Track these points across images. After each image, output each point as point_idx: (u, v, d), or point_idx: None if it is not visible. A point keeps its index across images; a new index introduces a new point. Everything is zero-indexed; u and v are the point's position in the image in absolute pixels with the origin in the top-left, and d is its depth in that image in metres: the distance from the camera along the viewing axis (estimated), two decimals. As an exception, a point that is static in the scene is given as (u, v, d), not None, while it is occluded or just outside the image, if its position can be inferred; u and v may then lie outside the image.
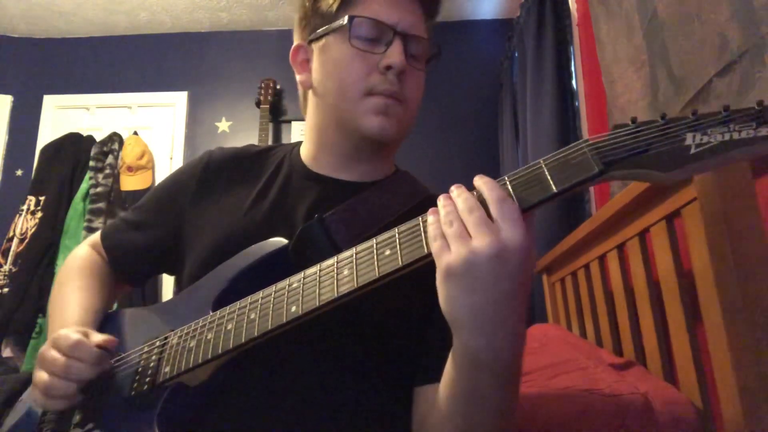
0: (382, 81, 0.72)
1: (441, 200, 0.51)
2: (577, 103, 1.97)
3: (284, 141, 3.12)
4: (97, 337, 0.66)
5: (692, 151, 0.42)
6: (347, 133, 0.77)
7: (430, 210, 0.51)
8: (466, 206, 0.48)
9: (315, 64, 0.79)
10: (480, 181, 0.50)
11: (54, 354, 0.64)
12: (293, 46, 0.83)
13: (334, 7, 0.75)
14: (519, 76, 2.49)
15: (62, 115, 3.22)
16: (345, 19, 0.73)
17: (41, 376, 0.64)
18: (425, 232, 0.51)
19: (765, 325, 0.62)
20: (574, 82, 2.02)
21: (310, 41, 0.80)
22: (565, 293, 1.61)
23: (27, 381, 0.75)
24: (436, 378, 0.62)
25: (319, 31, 0.77)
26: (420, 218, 0.53)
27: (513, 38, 2.65)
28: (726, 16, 0.93)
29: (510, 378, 0.53)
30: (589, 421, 0.79)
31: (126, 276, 0.87)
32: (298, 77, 0.83)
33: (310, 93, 0.82)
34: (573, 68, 2.03)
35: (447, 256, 0.47)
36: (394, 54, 0.72)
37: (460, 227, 0.47)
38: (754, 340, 0.62)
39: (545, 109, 2.00)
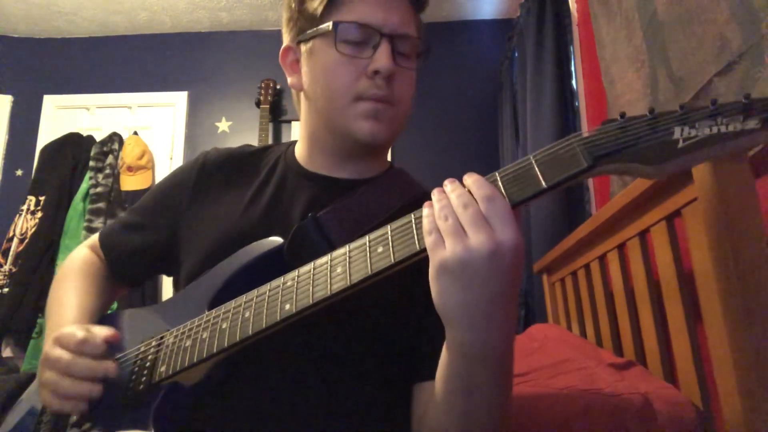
0: (371, 86, 0.71)
1: (435, 194, 0.51)
2: (577, 103, 1.98)
3: (284, 141, 3.11)
4: (102, 331, 0.65)
5: (680, 144, 0.43)
6: (339, 136, 0.76)
7: (426, 204, 0.51)
8: (461, 202, 0.48)
9: (304, 67, 0.79)
10: (469, 180, 0.50)
11: (59, 352, 0.63)
12: (282, 48, 0.82)
13: (319, 10, 0.73)
14: (519, 76, 2.49)
15: (62, 115, 3.22)
16: (330, 25, 0.72)
17: (49, 376, 0.63)
18: (417, 228, 0.51)
19: (765, 325, 0.62)
20: (574, 82, 2.02)
21: (299, 42, 0.79)
22: (565, 293, 1.60)
23: (27, 381, 0.75)
24: (433, 375, 0.62)
25: (306, 33, 0.76)
26: (412, 215, 0.52)
27: (513, 38, 2.65)
28: (726, 16, 0.93)
29: (502, 370, 0.54)
30: (589, 421, 0.79)
31: (124, 277, 0.87)
32: (288, 79, 0.82)
33: (302, 94, 0.82)
34: (573, 68, 2.03)
35: (442, 252, 0.47)
36: (382, 58, 0.70)
37: (455, 223, 0.47)
38: (754, 340, 0.62)
39: (545, 109, 2.00)
